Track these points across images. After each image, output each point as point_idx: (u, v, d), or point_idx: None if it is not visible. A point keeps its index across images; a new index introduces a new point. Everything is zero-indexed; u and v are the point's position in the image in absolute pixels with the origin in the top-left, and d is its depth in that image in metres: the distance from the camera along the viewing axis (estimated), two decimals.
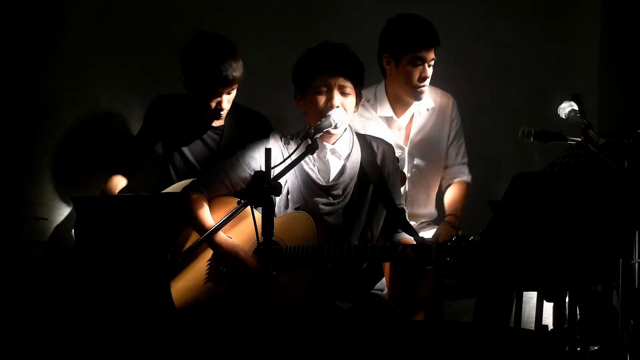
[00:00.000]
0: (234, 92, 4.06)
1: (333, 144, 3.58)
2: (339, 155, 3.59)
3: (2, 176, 4.48)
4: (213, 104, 4.04)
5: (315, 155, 3.54)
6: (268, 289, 2.92)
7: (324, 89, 3.50)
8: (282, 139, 3.62)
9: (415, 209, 4.25)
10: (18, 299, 4.30)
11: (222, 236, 3.48)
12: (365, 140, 3.65)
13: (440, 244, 3.26)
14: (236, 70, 3.99)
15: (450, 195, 4.29)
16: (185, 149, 4.18)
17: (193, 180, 3.67)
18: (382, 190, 3.56)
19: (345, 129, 3.60)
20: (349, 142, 3.61)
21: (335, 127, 3.48)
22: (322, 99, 3.50)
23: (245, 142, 3.69)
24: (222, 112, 4.07)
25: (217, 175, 3.60)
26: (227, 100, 4.05)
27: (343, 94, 3.51)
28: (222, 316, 3.45)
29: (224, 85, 3.99)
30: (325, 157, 3.58)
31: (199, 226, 3.53)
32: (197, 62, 3.99)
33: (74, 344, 4.19)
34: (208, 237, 3.40)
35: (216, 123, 4.19)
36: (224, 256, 3.48)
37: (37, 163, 4.52)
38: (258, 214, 3.00)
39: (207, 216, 3.54)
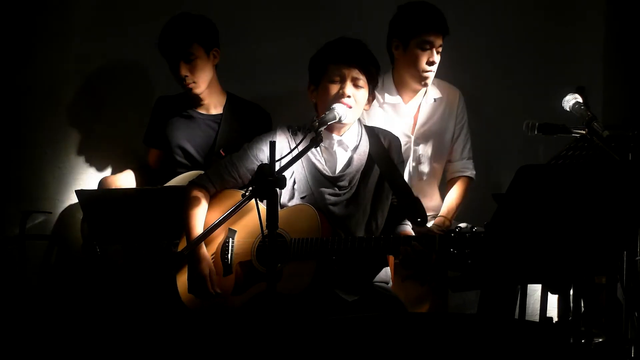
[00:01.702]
0: (198, 63, 4.07)
1: (341, 135, 3.59)
2: (346, 147, 3.60)
3: (6, 169, 4.49)
4: (176, 74, 4.08)
5: (322, 146, 3.55)
6: (273, 282, 2.92)
7: (338, 79, 3.52)
8: (290, 130, 3.63)
9: (421, 199, 4.25)
10: (22, 292, 4.30)
11: (203, 252, 3.48)
12: (372, 132, 3.66)
13: (444, 235, 3.27)
14: (182, 37, 4.04)
15: (450, 193, 4.30)
16: (185, 142, 4.19)
17: (201, 175, 3.67)
18: (391, 174, 3.57)
19: (354, 122, 3.61)
20: (357, 133, 3.62)
21: (340, 121, 3.48)
22: (334, 88, 3.52)
23: (242, 132, 3.71)
24: (187, 82, 4.09)
25: (226, 169, 3.61)
26: (187, 69, 4.07)
27: (356, 85, 3.53)
28: (226, 309, 3.46)
29: (169, 49, 4.06)
30: (332, 148, 3.59)
31: (187, 230, 3.53)
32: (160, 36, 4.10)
33: (79, 338, 4.19)
34: (194, 244, 3.41)
35: (213, 111, 4.21)
36: (195, 269, 3.47)
37: (41, 156, 4.52)
38: (263, 207, 3.00)
39: (199, 221, 3.53)
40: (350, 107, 3.51)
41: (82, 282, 4.29)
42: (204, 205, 3.57)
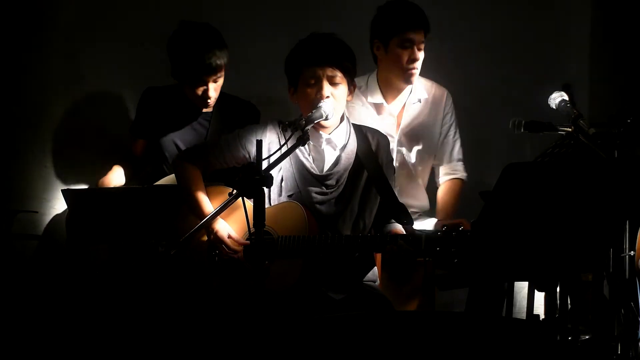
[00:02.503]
0: (220, 80, 4.07)
1: (329, 134, 3.58)
2: (334, 146, 3.59)
3: None
4: (200, 92, 4.05)
5: (310, 144, 3.55)
6: (260, 280, 2.92)
7: (313, 81, 3.51)
8: (280, 125, 3.62)
9: (405, 199, 4.24)
10: (9, 292, 4.29)
11: (219, 224, 3.50)
12: (361, 131, 3.66)
13: (430, 234, 3.27)
14: (220, 58, 4.00)
15: (444, 196, 4.29)
16: (176, 138, 4.18)
17: (186, 150, 3.73)
18: (377, 176, 3.57)
19: (343, 120, 3.61)
20: (346, 132, 3.62)
21: (326, 119, 3.48)
22: (312, 91, 3.51)
23: (233, 129, 3.71)
24: (209, 101, 4.08)
25: (212, 151, 3.62)
26: (213, 88, 4.05)
27: (332, 84, 3.51)
28: (214, 307, 3.45)
29: (209, 73, 4.00)
30: (320, 147, 3.59)
31: (195, 206, 3.55)
32: (183, 52, 4.00)
33: (66, 338, 4.18)
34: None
35: (205, 110, 4.19)
36: (215, 242, 3.49)
37: (27, 155, 4.51)
38: (250, 204, 3.00)
39: (204, 196, 3.56)
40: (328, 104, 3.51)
41: (68, 282, 4.28)
42: (201, 179, 3.59)
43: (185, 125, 4.18)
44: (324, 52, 3.51)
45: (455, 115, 4.32)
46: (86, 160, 4.49)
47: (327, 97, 3.49)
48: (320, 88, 3.50)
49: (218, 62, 3.99)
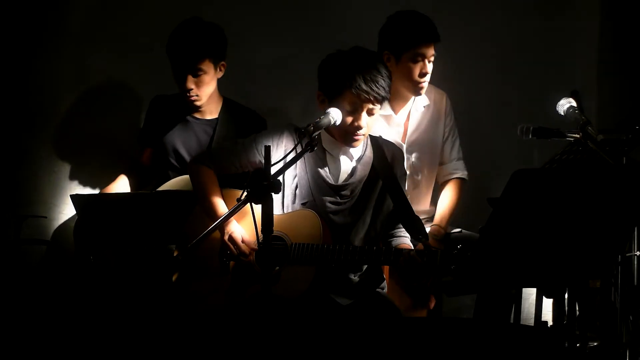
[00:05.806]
0: (204, 78, 4.06)
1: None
2: (351, 157, 3.60)
3: (0, 174, 4.48)
4: (180, 84, 4.06)
5: (327, 154, 3.55)
6: (268, 285, 2.92)
7: (352, 110, 3.48)
8: (297, 132, 3.62)
9: (414, 206, 4.25)
10: (17, 297, 4.30)
11: (234, 226, 3.50)
12: (377, 143, 3.66)
13: (446, 251, 3.27)
14: (197, 49, 4.01)
15: (444, 198, 4.29)
16: (180, 145, 4.19)
17: (202, 153, 3.73)
18: (393, 189, 3.56)
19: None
20: (363, 144, 3.62)
21: (335, 125, 3.48)
22: (348, 119, 3.48)
23: (237, 138, 3.71)
24: (190, 95, 4.07)
25: (228, 155, 3.62)
26: (192, 82, 4.05)
27: (370, 114, 3.50)
28: (224, 312, 3.46)
29: (177, 61, 4.02)
30: (337, 157, 3.59)
31: (209, 208, 3.55)
32: (168, 45, 4.06)
33: (74, 342, 4.19)
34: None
35: (208, 116, 4.20)
36: (229, 243, 3.50)
37: (36, 160, 4.52)
38: (258, 210, 3.00)
39: (218, 198, 3.56)
40: (363, 136, 3.51)
41: (77, 287, 4.28)
42: (216, 182, 3.59)
43: (189, 133, 4.19)
44: (372, 88, 3.45)
45: (453, 116, 4.32)
46: (95, 165, 4.50)
47: (362, 127, 3.48)
48: (357, 118, 3.48)
49: (189, 54, 4.00)
